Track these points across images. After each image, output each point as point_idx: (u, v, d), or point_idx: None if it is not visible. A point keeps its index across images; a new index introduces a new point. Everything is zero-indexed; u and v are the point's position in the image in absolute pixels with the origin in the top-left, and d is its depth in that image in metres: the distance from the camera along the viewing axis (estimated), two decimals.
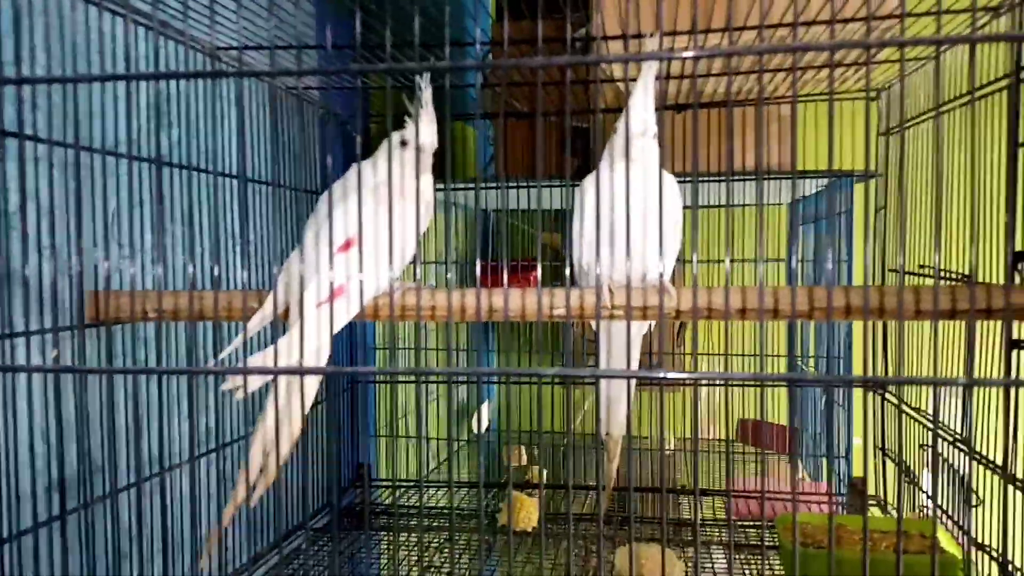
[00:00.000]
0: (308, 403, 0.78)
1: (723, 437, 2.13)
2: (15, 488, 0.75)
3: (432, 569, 1.24)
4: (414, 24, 0.65)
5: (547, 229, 2.24)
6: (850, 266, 1.45)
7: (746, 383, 1.74)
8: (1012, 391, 0.83)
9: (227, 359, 0.80)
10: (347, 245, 0.77)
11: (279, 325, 0.81)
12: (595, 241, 0.67)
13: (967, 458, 1.00)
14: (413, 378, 1.63)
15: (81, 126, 0.87)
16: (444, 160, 0.67)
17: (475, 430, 2.21)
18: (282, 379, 0.75)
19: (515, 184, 1.45)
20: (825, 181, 1.46)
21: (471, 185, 1.59)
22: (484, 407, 2.29)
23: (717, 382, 1.89)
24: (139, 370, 0.55)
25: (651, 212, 0.76)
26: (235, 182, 1.13)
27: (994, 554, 0.93)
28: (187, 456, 0.99)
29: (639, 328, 0.88)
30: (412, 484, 1.58)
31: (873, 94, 1.34)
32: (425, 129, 0.77)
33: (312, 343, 0.74)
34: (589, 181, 0.82)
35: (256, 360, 0.72)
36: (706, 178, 1.44)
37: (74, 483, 0.85)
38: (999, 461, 0.89)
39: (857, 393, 1.50)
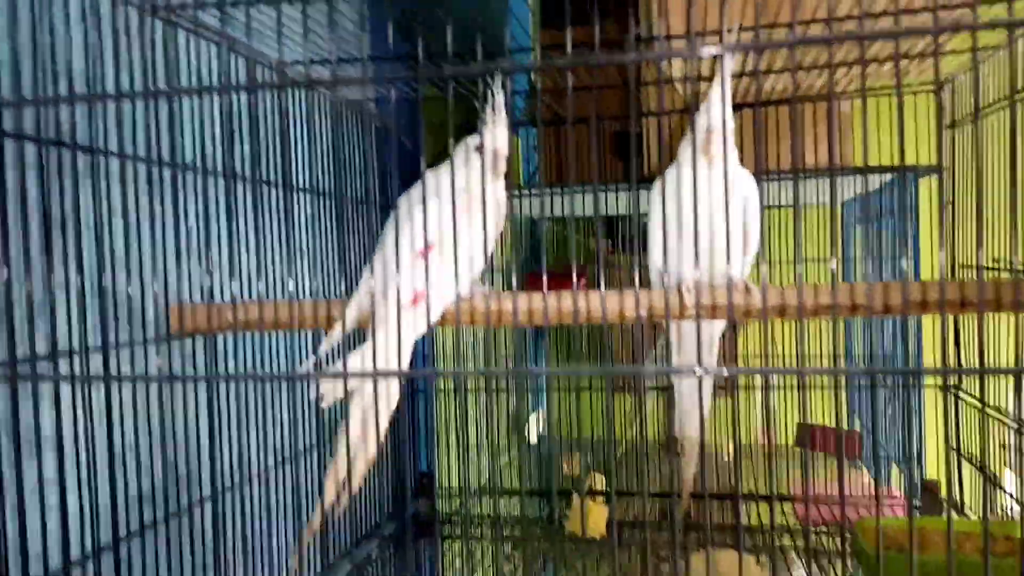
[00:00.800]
0: (393, 406, 0.79)
1: (788, 442, 2.10)
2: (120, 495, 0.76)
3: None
4: (471, 34, 0.65)
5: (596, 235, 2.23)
6: (917, 263, 1.42)
7: (822, 375, 1.71)
8: None
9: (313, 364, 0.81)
10: (426, 250, 0.77)
11: (356, 331, 0.82)
12: (676, 238, 0.67)
13: None
14: (478, 384, 1.63)
15: (161, 141, 0.90)
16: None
17: (527, 439, 2.21)
18: (368, 383, 0.75)
19: (559, 191, 1.45)
20: (889, 177, 1.43)
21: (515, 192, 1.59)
22: (535, 417, 2.28)
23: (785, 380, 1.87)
24: (241, 376, 0.56)
25: (730, 210, 0.75)
26: (303, 195, 1.16)
27: None
28: (263, 465, 1.00)
29: (712, 328, 0.87)
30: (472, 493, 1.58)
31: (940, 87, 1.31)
32: (500, 134, 0.78)
33: (395, 347, 0.75)
34: (660, 181, 0.82)
35: (353, 358, 0.73)
36: (774, 176, 1.42)
37: (163, 492, 0.87)
38: None
39: (928, 395, 1.46)
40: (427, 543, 1.38)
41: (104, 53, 0.78)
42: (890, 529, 1.08)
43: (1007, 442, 1.16)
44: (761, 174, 1.37)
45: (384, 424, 0.78)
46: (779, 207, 1.77)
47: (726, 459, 2.06)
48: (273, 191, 1.06)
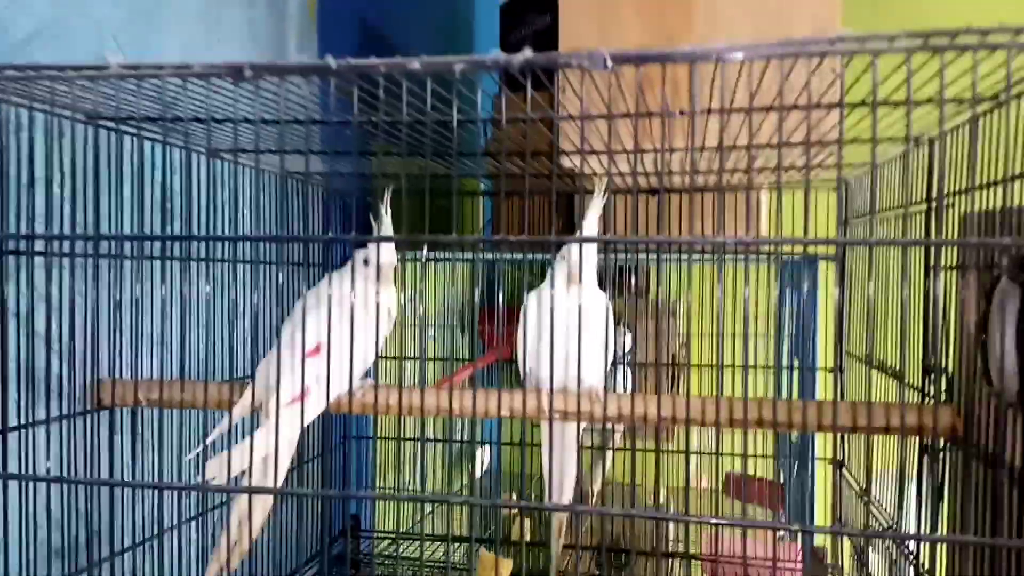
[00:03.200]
0: (281, 478, 0.89)
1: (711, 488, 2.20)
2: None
3: None
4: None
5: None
6: (814, 340, 1.53)
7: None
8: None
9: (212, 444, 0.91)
10: (316, 349, 0.88)
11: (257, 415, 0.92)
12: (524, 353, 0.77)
13: (895, 548, 1.07)
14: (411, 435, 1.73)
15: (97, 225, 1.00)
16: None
17: (475, 473, 2.31)
18: (257, 465, 0.86)
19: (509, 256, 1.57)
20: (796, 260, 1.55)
21: (468, 257, 1.71)
22: (484, 450, 2.38)
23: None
24: (138, 484, 0.66)
25: (582, 329, 0.86)
26: (248, 267, 1.25)
27: None
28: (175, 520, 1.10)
29: (570, 428, 0.99)
30: (390, 536, 1.68)
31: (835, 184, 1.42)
32: (384, 250, 0.89)
33: (285, 435, 0.86)
34: (531, 298, 0.93)
35: (236, 451, 0.84)
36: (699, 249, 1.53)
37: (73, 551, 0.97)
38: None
39: (819, 467, 1.57)
40: None
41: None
42: None
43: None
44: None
45: (269, 499, 0.89)
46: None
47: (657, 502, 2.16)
48: (213, 266, 1.15)
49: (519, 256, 1.68)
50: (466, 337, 2.20)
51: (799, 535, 1.75)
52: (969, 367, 0.82)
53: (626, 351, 2.09)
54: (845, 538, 1.40)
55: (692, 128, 0.85)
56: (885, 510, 1.17)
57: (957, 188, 0.90)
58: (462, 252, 1.77)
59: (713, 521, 0.66)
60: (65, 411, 0.94)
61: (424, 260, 1.64)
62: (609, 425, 2.22)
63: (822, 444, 1.64)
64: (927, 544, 0.93)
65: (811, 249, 1.50)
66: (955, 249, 0.91)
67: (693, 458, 2.15)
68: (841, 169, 1.29)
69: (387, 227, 0.90)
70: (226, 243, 1.17)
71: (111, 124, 0.94)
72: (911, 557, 1.02)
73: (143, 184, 0.94)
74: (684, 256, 1.52)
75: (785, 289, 1.78)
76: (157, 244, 1.06)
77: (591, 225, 0.93)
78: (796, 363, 1.57)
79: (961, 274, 0.86)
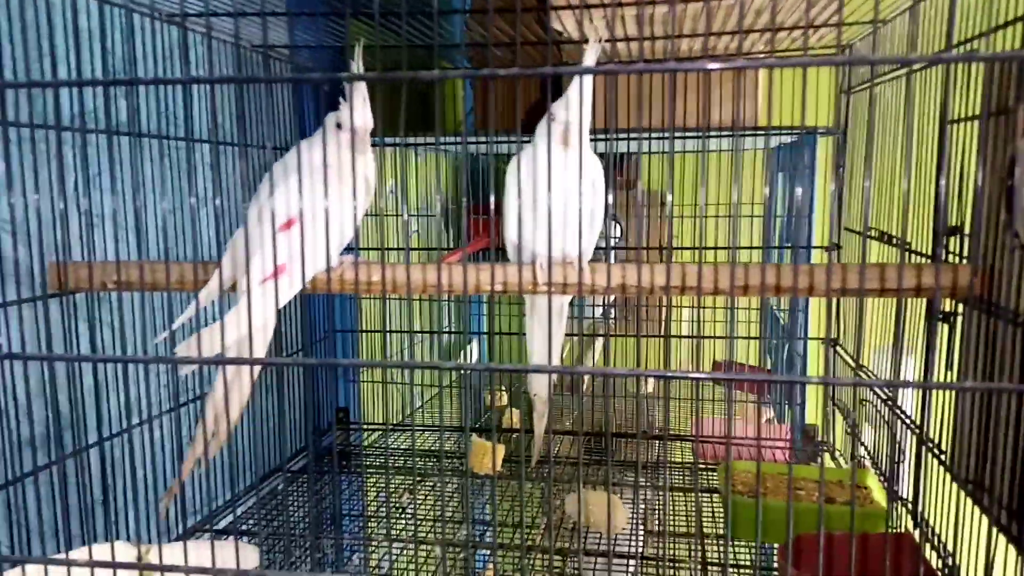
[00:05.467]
0: (256, 371, 0.84)
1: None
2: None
3: (400, 509, 1.33)
4: None
5: None
6: (811, 220, 1.48)
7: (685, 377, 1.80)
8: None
9: (179, 329, 0.85)
10: (288, 224, 0.81)
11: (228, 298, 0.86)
12: (517, 220, 0.71)
13: (894, 416, 1.06)
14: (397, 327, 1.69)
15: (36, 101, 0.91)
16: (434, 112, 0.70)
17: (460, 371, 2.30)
18: (231, 351, 0.80)
19: (496, 140, 1.48)
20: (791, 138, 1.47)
21: (455, 139, 1.62)
22: (472, 346, 2.36)
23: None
24: (99, 358, 0.60)
25: (572, 195, 0.80)
26: (206, 147, 1.17)
27: (910, 507, 0.99)
28: (148, 412, 1.06)
29: (563, 300, 0.93)
30: (377, 428, 1.66)
31: (842, 51, 1.34)
32: (359, 112, 0.80)
33: (258, 317, 0.80)
34: (515, 163, 0.86)
35: (205, 334, 0.78)
36: (682, 134, 1.46)
37: (45, 441, 0.92)
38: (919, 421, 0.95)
39: (812, 347, 1.55)
40: (339, 476, 1.47)
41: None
42: (749, 474, 1.18)
43: (866, 398, 1.25)
44: (674, 129, 1.42)
45: (247, 387, 0.84)
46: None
47: (649, 391, 2.16)
48: (165, 144, 1.07)
49: (504, 147, 1.60)
50: (451, 231, 2.13)
51: (788, 417, 1.75)
52: (988, 223, 0.77)
53: (615, 240, 2.04)
54: (838, 415, 1.39)
55: None
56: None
57: (972, 35, 0.83)
58: (445, 136, 1.68)
59: (709, 376, 0.62)
60: (24, 295, 0.88)
61: (404, 145, 1.55)
62: (601, 312, 2.19)
63: (815, 325, 1.62)
64: (930, 408, 0.90)
65: (810, 123, 1.43)
66: (971, 99, 0.85)
67: (680, 343, 2.14)
68: (842, 32, 1.20)
69: (361, 89, 0.81)
70: (177, 120, 1.08)
71: None
72: (911, 425, 1.00)
73: (79, 50, 0.85)
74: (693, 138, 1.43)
75: (778, 173, 1.72)
76: (102, 120, 0.97)
77: (587, 80, 0.84)
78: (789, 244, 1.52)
79: (985, 123, 0.80)
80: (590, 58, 0.80)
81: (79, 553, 0.78)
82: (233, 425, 0.83)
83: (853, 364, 1.28)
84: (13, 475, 0.85)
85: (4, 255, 0.90)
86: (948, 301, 0.88)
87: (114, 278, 0.88)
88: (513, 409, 1.94)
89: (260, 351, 0.85)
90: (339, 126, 0.82)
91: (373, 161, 0.86)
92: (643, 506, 1.27)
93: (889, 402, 1.07)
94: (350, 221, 0.84)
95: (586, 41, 0.82)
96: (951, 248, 0.87)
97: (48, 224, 0.88)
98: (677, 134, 1.41)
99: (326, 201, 0.75)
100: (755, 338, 1.81)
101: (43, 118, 0.90)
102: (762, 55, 1.38)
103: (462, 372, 2.15)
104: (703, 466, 1.48)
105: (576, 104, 0.80)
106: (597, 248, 0.98)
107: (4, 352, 0.75)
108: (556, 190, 0.79)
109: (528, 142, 0.88)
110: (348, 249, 0.89)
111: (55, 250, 0.87)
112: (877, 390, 1.14)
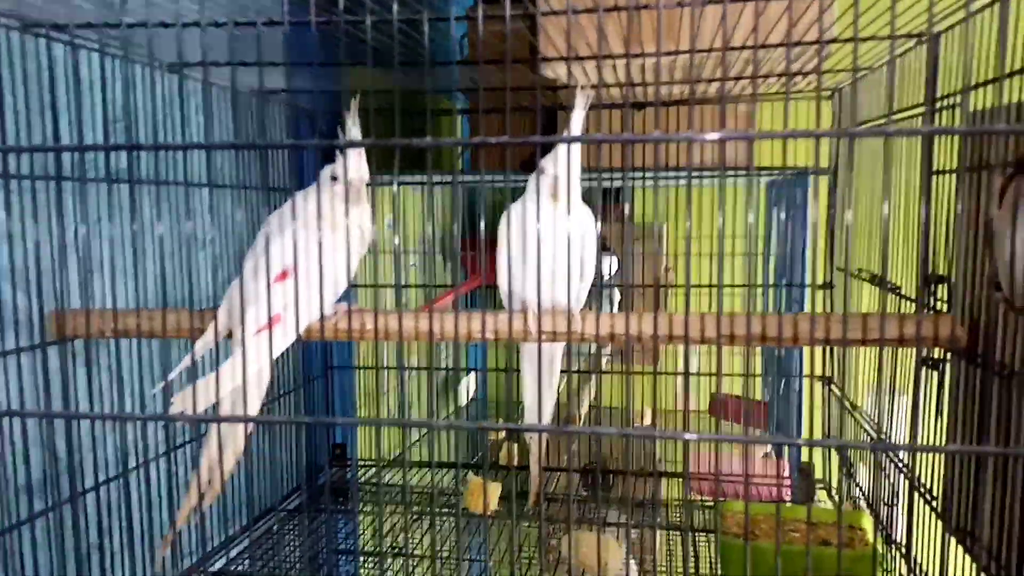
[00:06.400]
0: (240, 443, 0.85)
1: (695, 410, 2.20)
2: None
3: (394, 548, 1.33)
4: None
5: None
6: (803, 257, 1.49)
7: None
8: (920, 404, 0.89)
9: (176, 379, 0.86)
10: (283, 275, 0.82)
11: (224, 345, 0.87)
12: (508, 271, 0.72)
13: (887, 461, 1.06)
14: (393, 364, 1.70)
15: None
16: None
17: (460, 401, 2.30)
18: (226, 400, 0.81)
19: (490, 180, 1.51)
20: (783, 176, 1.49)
21: (448, 179, 1.64)
22: (469, 377, 2.37)
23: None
24: (96, 415, 0.61)
25: (561, 247, 0.81)
26: (204, 191, 1.19)
27: (903, 550, 0.99)
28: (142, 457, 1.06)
29: (553, 349, 0.94)
30: (371, 465, 1.66)
31: (827, 93, 1.36)
32: (354, 165, 0.82)
33: (253, 367, 0.81)
34: (506, 216, 0.88)
35: (201, 386, 0.79)
36: (673, 175, 1.47)
37: (41, 487, 0.93)
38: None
39: (807, 384, 1.55)
40: (335, 515, 1.47)
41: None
42: (743, 515, 1.18)
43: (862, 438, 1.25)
44: (659, 169, 1.44)
45: (241, 439, 0.84)
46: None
47: (643, 423, 2.17)
48: (163, 191, 1.09)
49: (500, 182, 1.61)
50: (447, 265, 2.15)
51: (785, 452, 1.75)
52: (973, 274, 0.78)
53: (612, 275, 2.05)
54: (834, 454, 1.40)
55: (695, 22, 0.78)
56: (875, 424, 1.15)
57: (953, 89, 0.85)
58: (440, 175, 1.71)
59: (708, 438, 0.62)
60: (23, 343, 0.89)
61: (398, 184, 1.57)
62: (595, 349, 2.20)
63: (808, 361, 1.62)
64: (922, 456, 0.91)
65: (801, 164, 1.45)
66: (956, 152, 0.86)
67: (675, 380, 2.15)
68: (834, 74, 1.22)
69: (356, 138, 0.83)
70: (176, 164, 1.10)
71: (43, 32, 0.86)
72: (904, 469, 1.00)
73: (80, 100, 0.87)
74: (681, 177, 1.45)
75: (773, 208, 1.74)
76: (102, 168, 0.99)
77: (576, 132, 0.86)
78: (784, 282, 1.54)
79: (962, 178, 0.81)
80: (578, 117, 0.82)
81: None
82: (227, 477, 0.83)
83: (846, 405, 1.29)
84: (9, 522, 0.86)
85: (4, 303, 0.91)
86: (936, 348, 0.89)
87: (112, 326, 0.89)
88: (510, 443, 1.94)
89: (255, 402, 0.86)
90: (335, 179, 0.83)
91: (368, 211, 0.88)
92: (637, 546, 1.27)
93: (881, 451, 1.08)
94: (344, 271, 0.86)
95: (575, 86, 0.84)
96: (939, 296, 0.88)
97: (48, 272, 0.90)
98: (667, 173, 1.43)
99: (320, 253, 0.76)
100: (749, 375, 1.81)
101: (44, 169, 0.91)
102: (748, 98, 1.40)
103: (459, 408, 2.16)
104: (698, 503, 1.48)
105: (564, 161, 0.82)
106: (592, 285, 1.00)
107: (3, 409, 0.76)
108: (546, 242, 0.81)
109: (523, 183, 0.90)
110: (343, 295, 0.91)
111: (54, 298, 0.88)
112: (869, 432, 1.15)
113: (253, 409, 0.86)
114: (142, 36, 0.97)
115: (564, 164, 0.82)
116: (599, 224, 0.86)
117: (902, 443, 1.03)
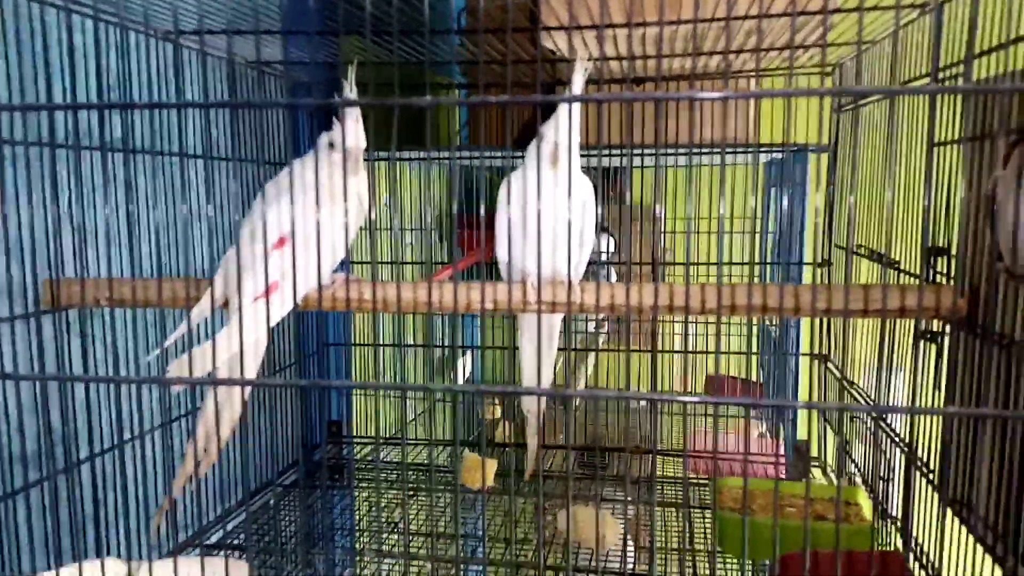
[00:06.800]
0: (247, 390, 0.84)
1: (691, 391, 2.20)
2: None
3: (392, 524, 1.33)
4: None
5: None
6: (802, 236, 1.49)
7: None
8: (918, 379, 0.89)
9: (172, 345, 0.85)
10: (280, 243, 0.82)
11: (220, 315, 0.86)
12: (507, 240, 0.72)
13: (883, 434, 1.06)
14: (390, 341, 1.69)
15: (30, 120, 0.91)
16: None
17: (456, 381, 2.30)
18: (223, 368, 0.81)
19: (488, 155, 1.49)
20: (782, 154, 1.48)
21: (446, 155, 1.63)
22: (466, 357, 2.36)
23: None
24: (91, 378, 0.61)
25: (561, 215, 0.80)
26: (200, 163, 1.18)
27: (899, 524, 1.00)
28: (138, 428, 1.06)
29: (552, 319, 0.94)
30: (368, 441, 1.66)
31: (829, 69, 1.35)
32: (351, 132, 0.81)
33: (250, 336, 0.80)
34: (506, 183, 0.87)
35: (197, 353, 0.78)
36: (672, 151, 1.47)
37: (36, 457, 0.92)
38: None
39: (803, 362, 1.55)
40: (330, 491, 1.47)
41: None
42: (739, 491, 1.18)
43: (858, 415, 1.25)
44: (660, 147, 1.43)
45: (237, 406, 0.84)
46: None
47: (642, 404, 2.17)
48: (159, 160, 1.08)
49: (498, 158, 1.61)
50: (444, 243, 2.14)
51: (780, 432, 1.76)
52: (975, 245, 0.78)
53: (609, 255, 2.05)
54: (831, 432, 1.40)
55: None
56: (871, 400, 1.15)
57: (957, 59, 0.84)
58: (438, 152, 1.69)
59: (706, 400, 0.62)
60: (18, 311, 0.88)
61: (396, 159, 1.56)
62: (594, 327, 2.20)
63: (807, 339, 1.62)
64: (918, 426, 0.91)
65: (801, 141, 1.44)
66: (958, 125, 0.86)
67: (672, 359, 2.15)
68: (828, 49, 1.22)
69: (354, 109, 0.82)
70: (171, 135, 1.08)
71: None
72: (900, 442, 1.01)
73: (74, 67, 0.85)
74: (681, 155, 1.44)
75: (771, 187, 1.73)
76: (96, 137, 0.98)
77: (566, 118, 0.84)
78: (782, 260, 1.54)
79: (968, 147, 0.81)
80: (578, 80, 0.81)
81: (69, 570, 0.77)
82: (223, 444, 0.83)
83: (843, 382, 1.29)
84: (3, 491, 0.85)
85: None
86: (935, 321, 0.89)
87: (107, 295, 0.88)
88: (507, 422, 1.94)
89: (251, 370, 0.85)
90: (332, 146, 0.82)
91: (366, 180, 0.87)
92: (634, 522, 1.27)
93: (877, 421, 1.08)
94: (342, 240, 0.85)
95: (576, 59, 0.83)
96: (939, 268, 0.88)
97: (42, 242, 0.89)
98: (666, 151, 1.42)
99: (317, 220, 0.75)
100: (745, 353, 1.81)
101: (38, 136, 0.90)
102: (750, 73, 1.39)
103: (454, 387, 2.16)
104: (694, 481, 1.49)
105: (565, 126, 0.81)
106: (591, 262, 0.99)
107: None
108: (546, 210, 0.80)
109: (521, 158, 0.89)
110: (341, 265, 0.90)
111: (48, 267, 0.87)
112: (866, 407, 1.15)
113: (249, 376, 0.85)
114: (138, 2, 0.96)
115: (565, 129, 0.81)
116: (598, 206, 0.86)
117: (900, 408, 1.04)
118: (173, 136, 1.13)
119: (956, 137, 0.85)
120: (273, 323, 0.81)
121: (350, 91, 0.80)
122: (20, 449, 0.90)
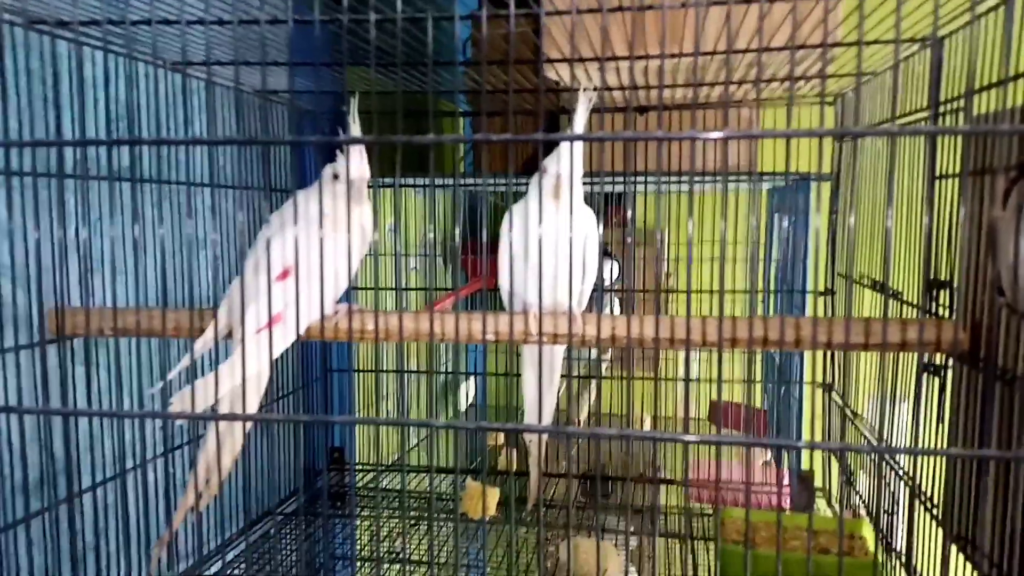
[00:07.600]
0: (248, 424, 0.84)
1: (694, 417, 2.19)
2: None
3: (392, 554, 1.32)
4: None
5: None
6: (805, 263, 1.49)
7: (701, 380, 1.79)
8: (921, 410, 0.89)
9: (175, 379, 0.85)
10: (284, 274, 0.82)
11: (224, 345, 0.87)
12: (509, 271, 0.72)
13: (887, 468, 1.06)
14: (392, 367, 1.69)
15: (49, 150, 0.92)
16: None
17: (459, 406, 2.29)
18: (225, 400, 0.81)
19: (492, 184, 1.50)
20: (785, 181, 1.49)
21: (449, 183, 1.64)
22: (468, 382, 2.36)
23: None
24: (94, 412, 0.61)
25: (563, 247, 0.81)
26: (206, 191, 1.19)
27: (903, 559, 0.98)
28: (139, 458, 1.06)
29: (553, 351, 0.94)
30: (370, 469, 1.65)
31: (830, 99, 1.36)
32: (355, 163, 0.82)
33: (252, 367, 0.80)
34: (508, 216, 0.87)
35: (199, 386, 0.78)
36: (675, 179, 1.47)
37: (38, 486, 0.92)
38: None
39: (807, 391, 1.55)
40: (332, 519, 1.46)
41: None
42: (743, 522, 1.17)
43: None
44: (662, 174, 1.44)
45: (239, 438, 0.84)
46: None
47: (646, 429, 2.15)
48: (165, 189, 1.09)
49: (502, 184, 1.61)
50: (448, 269, 2.15)
51: (785, 460, 1.75)
52: (976, 279, 0.78)
53: (613, 281, 2.05)
54: (835, 462, 1.39)
55: (699, 24, 0.77)
56: (875, 431, 1.14)
57: (957, 94, 0.85)
58: (442, 179, 1.70)
59: (707, 439, 0.62)
60: (22, 340, 0.88)
61: (400, 186, 1.56)
62: (596, 354, 2.19)
63: (810, 368, 1.62)
64: (922, 463, 0.90)
65: (803, 170, 1.45)
66: (958, 157, 0.86)
67: (675, 386, 2.14)
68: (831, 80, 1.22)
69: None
70: (178, 164, 1.09)
71: (47, 28, 0.86)
72: (904, 476, 1.00)
73: (83, 97, 0.86)
74: (683, 182, 1.45)
75: (775, 214, 1.74)
76: (104, 167, 0.99)
77: (579, 132, 0.85)
78: (785, 288, 1.54)
79: (965, 182, 0.81)
80: (581, 116, 0.81)
81: None
82: (225, 477, 0.83)
83: (847, 412, 1.28)
84: (5, 522, 0.85)
85: (3, 300, 0.91)
86: (937, 354, 0.88)
87: (111, 324, 0.88)
88: (509, 448, 1.93)
89: (253, 402, 0.85)
90: (336, 177, 0.83)
91: (370, 209, 0.87)
92: (636, 553, 1.26)
93: (881, 456, 1.07)
94: (345, 271, 0.85)
95: (578, 89, 0.84)
96: (941, 301, 0.88)
97: (48, 270, 0.89)
98: (668, 179, 1.43)
99: (320, 252, 0.76)
100: (748, 381, 1.80)
101: (47, 167, 0.91)
102: (752, 102, 1.40)
103: (458, 413, 2.15)
104: (697, 511, 1.48)
105: (567, 159, 0.81)
106: (594, 289, 0.99)
107: (0, 406, 0.76)
108: (547, 242, 0.81)
109: (525, 185, 0.89)
110: (344, 295, 0.90)
111: (54, 296, 0.88)
112: (869, 439, 1.14)
113: (251, 409, 0.85)
114: (146, 34, 0.97)
115: (567, 163, 0.81)
116: (601, 229, 0.86)
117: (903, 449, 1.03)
118: (180, 164, 1.14)
119: (956, 169, 0.86)
120: (276, 354, 0.81)
121: (353, 122, 0.81)
122: (22, 479, 0.89)
